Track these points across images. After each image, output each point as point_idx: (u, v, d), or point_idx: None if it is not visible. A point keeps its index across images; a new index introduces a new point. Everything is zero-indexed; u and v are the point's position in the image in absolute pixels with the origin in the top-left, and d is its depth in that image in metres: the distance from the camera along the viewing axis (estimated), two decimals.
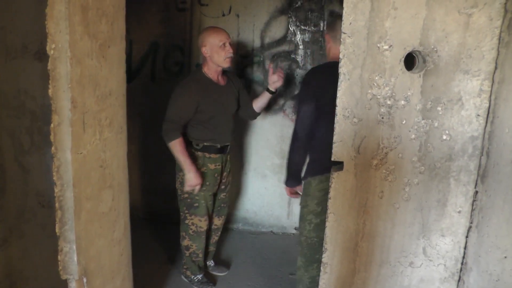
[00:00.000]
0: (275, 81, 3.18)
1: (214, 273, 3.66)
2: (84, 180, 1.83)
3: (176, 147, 2.93)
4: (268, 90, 3.27)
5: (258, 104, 3.38)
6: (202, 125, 3.04)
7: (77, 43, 1.67)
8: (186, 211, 3.19)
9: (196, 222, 3.19)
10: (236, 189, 4.43)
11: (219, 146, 3.16)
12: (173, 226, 4.20)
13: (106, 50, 1.96)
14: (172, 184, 3.94)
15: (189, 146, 3.06)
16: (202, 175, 3.06)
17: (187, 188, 3.04)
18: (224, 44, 2.96)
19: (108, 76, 2.00)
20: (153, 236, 4.25)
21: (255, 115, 3.48)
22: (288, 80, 4.11)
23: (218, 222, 3.51)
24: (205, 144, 3.09)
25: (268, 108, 4.17)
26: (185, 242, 3.28)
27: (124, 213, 2.37)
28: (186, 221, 3.21)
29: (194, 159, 3.05)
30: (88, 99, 1.80)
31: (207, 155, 3.10)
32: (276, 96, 4.13)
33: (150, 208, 4.63)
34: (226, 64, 3.03)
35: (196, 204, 3.14)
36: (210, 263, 3.70)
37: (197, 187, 3.04)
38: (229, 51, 2.98)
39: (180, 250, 3.41)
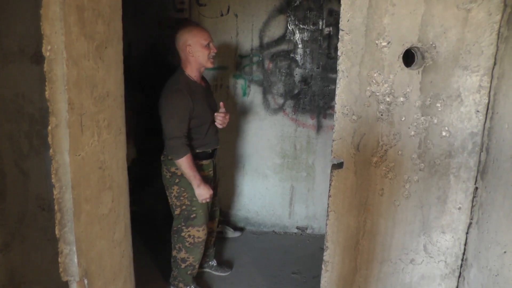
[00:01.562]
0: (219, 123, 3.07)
1: (217, 273, 3.65)
2: (83, 182, 1.83)
3: (186, 163, 2.79)
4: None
5: None
6: (195, 132, 2.93)
7: (73, 44, 1.66)
8: (182, 223, 3.06)
9: (194, 233, 3.06)
10: (237, 190, 4.43)
11: (210, 151, 3.09)
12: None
13: (103, 51, 1.95)
14: None
15: None
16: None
17: (202, 201, 2.95)
18: (208, 43, 2.86)
19: (105, 77, 1.99)
20: (155, 237, 4.24)
21: None
22: (288, 80, 4.11)
23: (213, 225, 3.46)
24: (198, 151, 2.98)
25: (268, 108, 4.17)
26: (181, 255, 3.13)
27: (124, 214, 2.37)
28: (182, 234, 3.07)
29: (181, 176, 2.94)
30: (85, 100, 1.80)
31: (199, 162, 2.98)
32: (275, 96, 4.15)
33: (150, 209, 4.62)
34: (210, 65, 2.91)
35: (194, 215, 3.03)
36: (213, 263, 3.67)
37: (209, 199, 2.97)
38: (213, 51, 2.89)
39: (171, 261, 3.29)
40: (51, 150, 1.67)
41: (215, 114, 3.03)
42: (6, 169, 2.47)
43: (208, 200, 2.95)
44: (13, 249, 2.57)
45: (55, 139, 1.66)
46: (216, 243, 3.68)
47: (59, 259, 1.82)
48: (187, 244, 3.09)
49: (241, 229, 4.05)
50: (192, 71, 2.91)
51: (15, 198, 2.52)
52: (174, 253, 3.19)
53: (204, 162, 3.05)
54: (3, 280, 2.55)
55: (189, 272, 3.21)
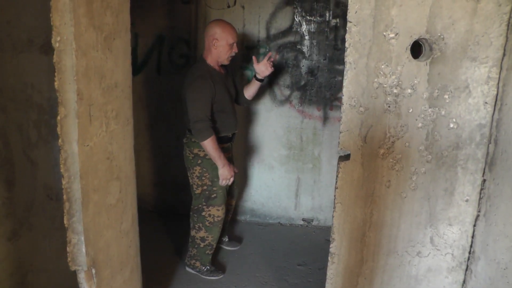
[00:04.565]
0: (263, 70, 3.26)
1: (228, 247, 3.86)
2: (91, 172, 1.84)
3: (211, 144, 2.95)
4: (256, 78, 3.36)
5: (250, 92, 3.46)
6: (217, 116, 3.11)
7: (82, 35, 1.67)
8: (204, 203, 3.23)
9: (214, 213, 3.24)
10: (243, 181, 4.44)
11: (230, 135, 3.27)
12: (181, 218, 4.24)
13: (111, 42, 1.96)
14: (180, 176, 3.95)
15: None
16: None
17: (222, 182, 3.11)
18: (233, 44, 3.08)
19: (113, 68, 2.00)
20: (162, 228, 4.26)
21: (248, 102, 3.58)
22: (294, 71, 4.10)
23: (232, 202, 3.67)
24: (220, 135, 3.15)
25: (274, 99, 4.17)
26: (201, 234, 3.30)
27: (131, 204, 2.38)
28: (203, 213, 3.24)
29: (203, 157, 3.12)
30: (94, 91, 1.81)
31: (219, 146, 3.12)
32: (281, 87, 4.14)
33: (158, 201, 4.64)
34: (226, 62, 3.16)
35: (214, 195, 3.20)
36: (225, 238, 3.88)
37: (231, 179, 3.13)
38: (234, 51, 3.13)
39: (188, 242, 3.43)
40: (60, 140, 1.68)
41: (256, 66, 3.28)
42: (15, 158, 2.49)
43: (230, 181, 3.13)
44: (21, 238, 2.59)
45: (64, 129, 1.68)
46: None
47: (68, 249, 1.84)
48: (207, 223, 3.27)
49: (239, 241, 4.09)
50: (211, 61, 3.13)
51: (24, 186, 2.54)
52: (193, 232, 3.35)
53: (224, 145, 3.23)
54: (11, 268, 2.57)
55: (207, 252, 3.38)
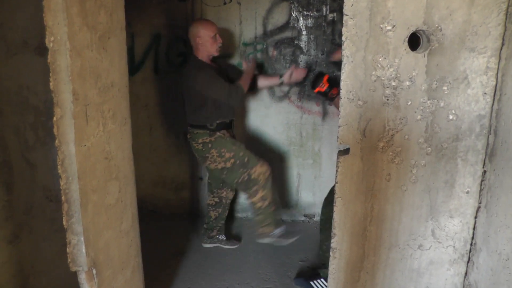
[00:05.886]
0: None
1: (227, 246, 3.88)
2: (89, 172, 1.83)
3: (246, 88, 3.33)
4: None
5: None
6: (214, 103, 3.32)
7: (76, 35, 1.66)
8: (245, 171, 3.35)
9: (260, 170, 3.36)
10: None
11: (228, 121, 3.48)
12: (181, 217, 4.23)
13: (106, 41, 1.94)
14: (180, 175, 3.93)
15: (203, 129, 3.36)
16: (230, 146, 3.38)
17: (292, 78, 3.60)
18: (215, 35, 3.35)
19: (109, 67, 1.99)
20: (163, 228, 4.26)
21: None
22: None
23: (230, 194, 3.83)
24: (217, 122, 3.37)
25: (273, 95, 4.15)
26: (259, 194, 3.39)
27: (131, 204, 2.37)
28: (252, 177, 3.35)
29: (211, 141, 3.34)
30: (89, 91, 1.80)
31: (217, 133, 3.38)
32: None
33: (158, 200, 4.63)
34: (217, 53, 3.42)
35: (247, 159, 3.36)
36: (222, 237, 3.90)
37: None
38: (219, 41, 3.39)
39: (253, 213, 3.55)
40: (56, 141, 1.67)
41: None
42: (13, 161, 2.48)
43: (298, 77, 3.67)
44: (22, 240, 2.59)
45: (60, 130, 1.67)
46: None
47: (67, 250, 1.83)
48: (261, 181, 3.38)
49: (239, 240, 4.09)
50: (203, 57, 3.40)
51: (23, 189, 2.53)
52: (252, 199, 3.45)
53: (224, 131, 3.44)
54: (13, 270, 2.57)
55: (272, 209, 3.49)
